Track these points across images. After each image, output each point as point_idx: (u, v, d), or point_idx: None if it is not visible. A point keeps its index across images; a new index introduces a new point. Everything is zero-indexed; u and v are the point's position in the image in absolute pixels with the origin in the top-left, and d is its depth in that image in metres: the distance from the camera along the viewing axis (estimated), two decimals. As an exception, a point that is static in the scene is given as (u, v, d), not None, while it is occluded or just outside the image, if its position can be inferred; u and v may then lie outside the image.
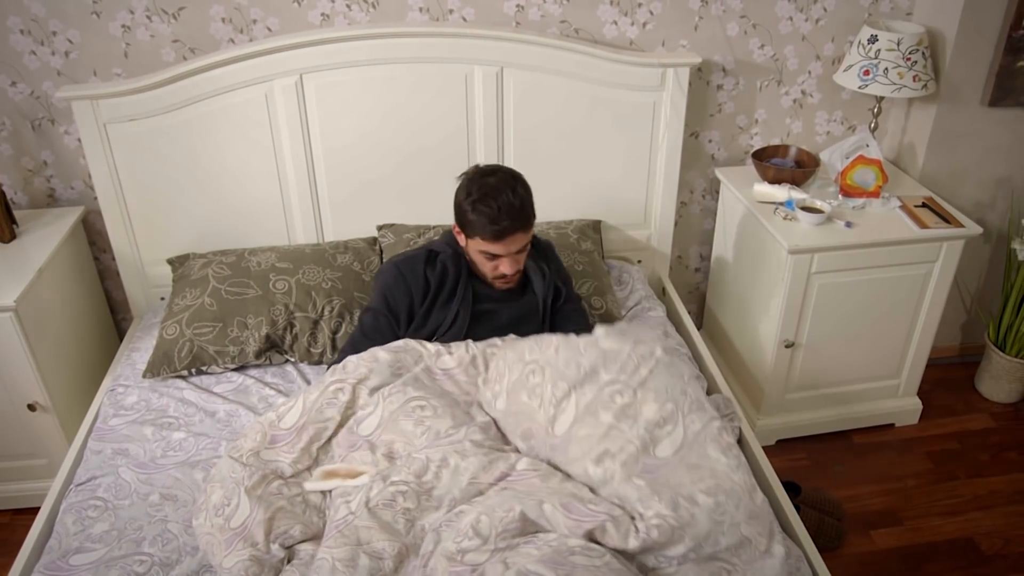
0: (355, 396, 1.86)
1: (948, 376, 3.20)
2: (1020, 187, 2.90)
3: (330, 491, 1.73)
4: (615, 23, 2.54)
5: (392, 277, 2.07)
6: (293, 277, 2.32)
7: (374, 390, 1.86)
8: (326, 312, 2.27)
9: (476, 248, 2.01)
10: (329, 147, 2.46)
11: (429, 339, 2.05)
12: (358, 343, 2.04)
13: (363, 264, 2.43)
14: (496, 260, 2.02)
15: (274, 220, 2.54)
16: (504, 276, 2.05)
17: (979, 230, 2.52)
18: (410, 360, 1.94)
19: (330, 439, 1.84)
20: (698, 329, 3.07)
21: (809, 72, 2.75)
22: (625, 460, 1.63)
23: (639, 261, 2.78)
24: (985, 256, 3.04)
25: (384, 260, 2.45)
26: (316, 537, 1.66)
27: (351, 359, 1.93)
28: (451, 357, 1.97)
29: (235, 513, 1.64)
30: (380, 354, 1.92)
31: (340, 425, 1.85)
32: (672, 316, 2.59)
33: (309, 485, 1.74)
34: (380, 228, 2.54)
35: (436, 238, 2.19)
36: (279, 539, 1.62)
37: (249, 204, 2.50)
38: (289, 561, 1.61)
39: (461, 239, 2.07)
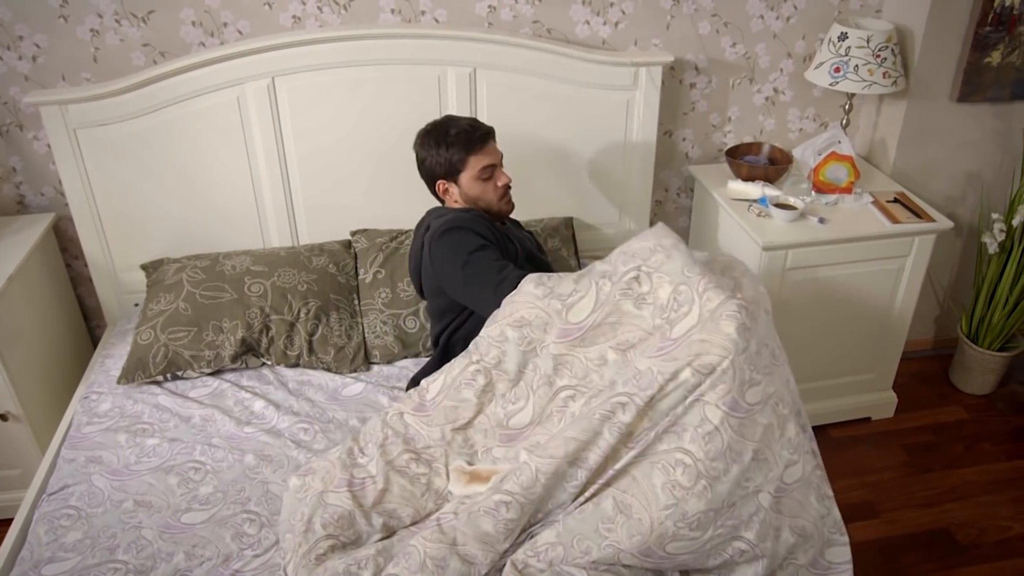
0: (491, 381, 1.77)
1: (922, 369, 3.23)
2: (990, 181, 2.94)
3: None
4: (587, 23, 2.55)
5: (475, 224, 2.00)
6: (268, 280, 2.30)
7: (514, 378, 1.76)
8: (302, 314, 2.26)
9: (472, 175, 2.07)
10: (303, 150, 2.45)
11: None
12: (507, 278, 1.88)
13: (339, 266, 2.43)
14: (495, 174, 2.11)
15: (248, 223, 2.52)
16: (508, 188, 2.13)
17: (950, 224, 2.54)
18: (539, 331, 1.75)
19: (468, 424, 1.78)
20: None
21: (781, 70, 2.77)
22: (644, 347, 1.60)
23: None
24: (957, 250, 3.07)
25: (357, 263, 2.46)
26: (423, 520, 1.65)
27: (483, 339, 1.80)
28: (579, 304, 1.71)
29: (366, 465, 1.71)
30: (508, 332, 1.77)
31: (478, 411, 1.78)
32: (648, 314, 2.60)
33: (457, 491, 1.69)
34: (354, 233, 2.53)
35: (435, 217, 2.10)
36: (385, 515, 1.64)
37: (223, 208, 2.49)
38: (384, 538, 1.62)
39: (454, 192, 2.11)
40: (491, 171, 2.10)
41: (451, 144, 2.05)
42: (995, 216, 2.78)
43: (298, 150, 2.44)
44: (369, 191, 2.54)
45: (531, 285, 1.78)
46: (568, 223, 2.64)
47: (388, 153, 2.49)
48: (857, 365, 2.80)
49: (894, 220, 2.51)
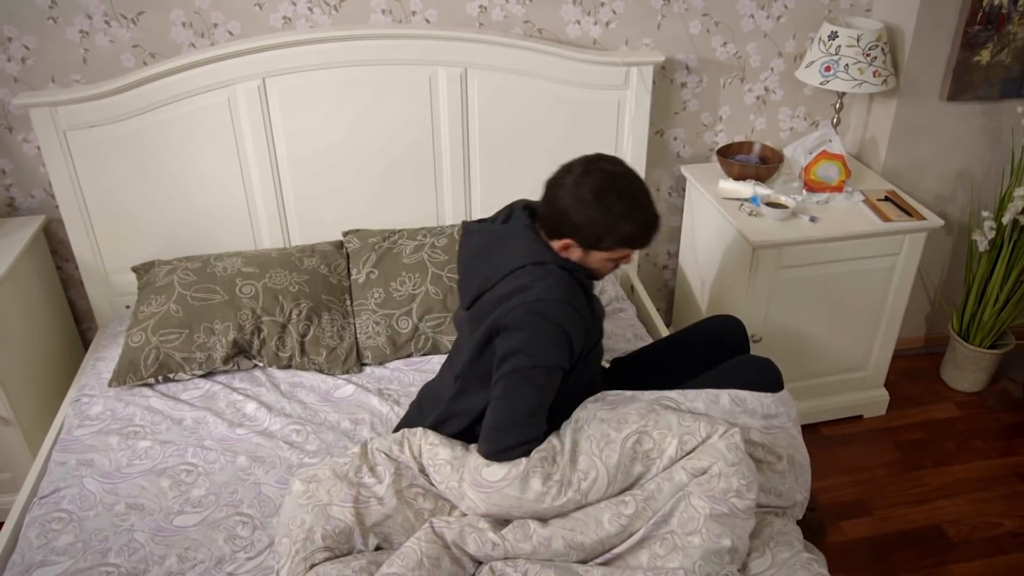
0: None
1: (914, 367, 3.24)
2: (980, 180, 2.95)
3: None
4: (578, 23, 2.55)
5: (571, 320, 1.67)
6: (260, 281, 2.30)
7: None
8: (294, 316, 2.26)
9: (609, 257, 1.75)
10: (294, 150, 2.44)
11: (583, 359, 1.79)
12: (537, 410, 1.69)
13: (330, 267, 2.42)
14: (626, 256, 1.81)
15: (240, 225, 2.52)
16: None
17: (940, 222, 2.55)
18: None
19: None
20: (668, 327, 3.09)
21: (772, 69, 2.78)
22: None
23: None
24: (947, 248, 3.08)
25: (341, 268, 2.44)
26: None
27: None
28: (595, 486, 1.66)
29: (373, 486, 1.68)
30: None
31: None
32: (642, 315, 2.61)
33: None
34: (346, 234, 2.52)
35: (533, 264, 1.73)
36: (380, 537, 1.66)
37: (214, 209, 2.48)
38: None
39: (573, 255, 1.74)
40: (626, 255, 1.80)
41: (616, 230, 1.69)
42: (985, 214, 2.79)
43: (289, 151, 2.44)
44: (361, 191, 2.54)
45: (538, 482, 1.63)
46: (560, 223, 2.64)
47: (380, 153, 2.49)
48: (849, 363, 2.80)
49: (885, 218, 2.52)
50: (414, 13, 2.45)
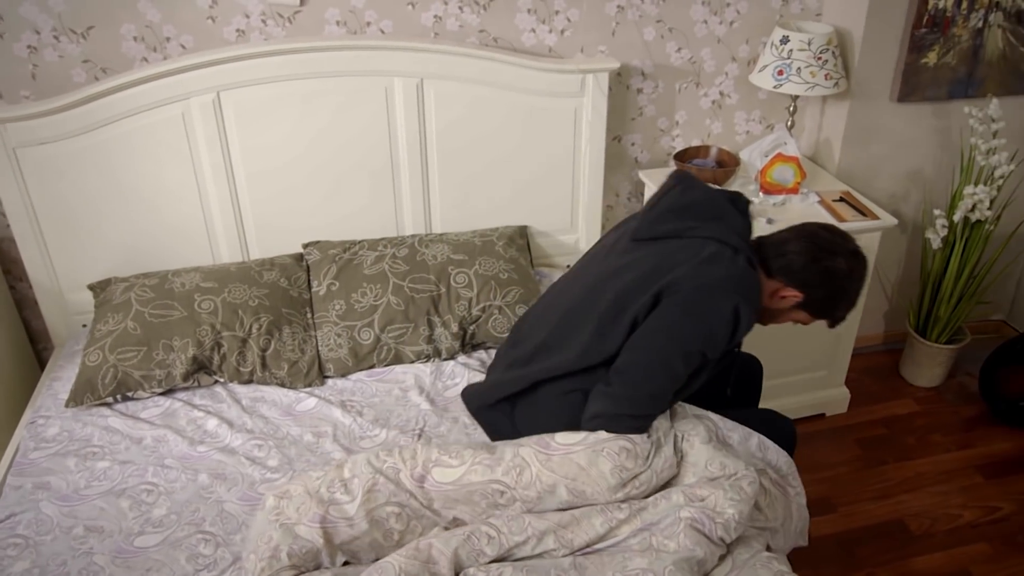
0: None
1: (874, 364, 3.30)
2: (931, 179, 3.01)
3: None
4: (533, 31, 2.56)
5: (749, 319, 1.71)
6: (219, 296, 2.28)
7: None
8: (254, 330, 2.23)
9: (793, 315, 1.86)
10: (250, 163, 2.42)
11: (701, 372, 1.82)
12: (672, 392, 1.75)
13: (290, 280, 2.41)
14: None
15: (197, 240, 2.49)
16: None
17: (894, 221, 2.60)
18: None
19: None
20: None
21: (726, 73, 2.81)
22: None
23: (568, 266, 2.80)
24: (902, 246, 3.14)
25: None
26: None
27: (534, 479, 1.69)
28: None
29: (344, 505, 1.65)
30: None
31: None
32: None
33: None
34: (306, 246, 2.51)
35: (740, 253, 1.76)
36: (348, 554, 1.64)
37: (171, 225, 2.45)
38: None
39: (786, 302, 1.83)
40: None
41: (839, 310, 1.83)
42: (937, 212, 2.85)
43: (246, 164, 2.42)
44: (320, 203, 2.52)
45: (608, 465, 1.67)
46: (522, 231, 2.65)
47: (338, 164, 2.48)
48: (810, 363, 2.84)
49: (840, 219, 2.56)
50: (369, 24, 2.44)
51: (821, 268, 1.77)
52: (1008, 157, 2.79)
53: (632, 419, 1.72)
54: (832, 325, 1.87)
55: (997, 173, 2.79)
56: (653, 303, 1.74)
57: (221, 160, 2.39)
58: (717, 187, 1.93)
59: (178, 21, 2.32)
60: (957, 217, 2.82)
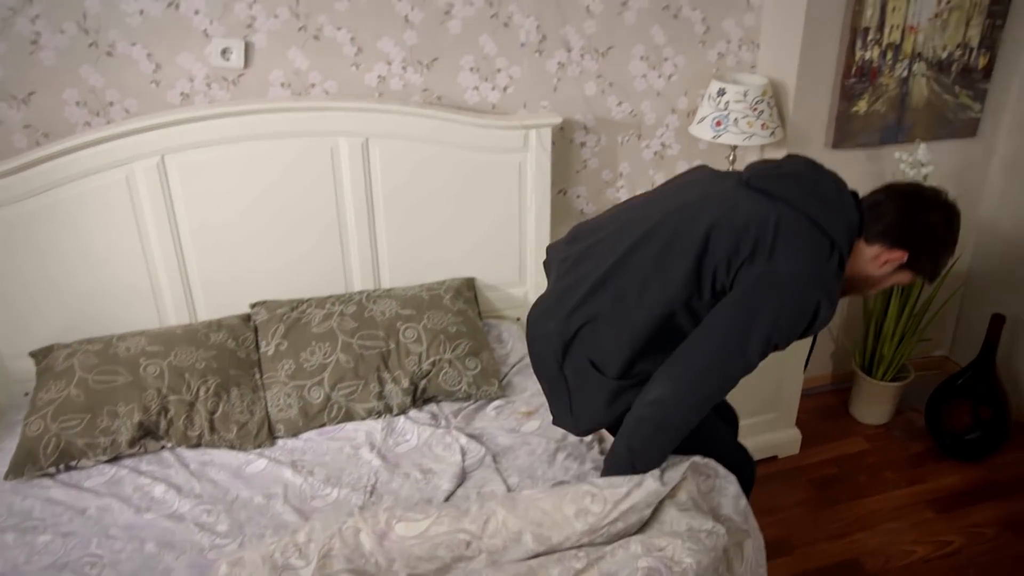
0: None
1: (823, 404, 3.35)
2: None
3: None
4: (476, 89, 2.62)
5: (824, 318, 1.70)
6: (165, 360, 2.25)
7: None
8: (202, 393, 2.21)
9: (895, 278, 1.82)
10: (197, 225, 2.42)
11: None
12: (727, 383, 1.72)
13: (238, 341, 2.39)
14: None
15: (143, 303, 2.47)
16: None
17: (834, 265, 2.67)
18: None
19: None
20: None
21: (666, 125, 2.89)
22: None
23: (518, 319, 2.82)
24: (845, 288, 3.22)
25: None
26: None
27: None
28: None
29: (299, 570, 1.62)
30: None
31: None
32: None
33: None
34: (253, 306, 2.50)
35: (829, 226, 1.71)
36: None
37: (116, 289, 2.42)
38: None
39: (890, 263, 1.78)
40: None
41: (941, 262, 1.81)
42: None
43: (192, 226, 2.41)
44: (268, 262, 2.52)
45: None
46: (470, 284, 2.67)
47: (285, 224, 2.49)
48: (760, 406, 2.88)
49: (781, 264, 2.62)
50: (313, 85, 2.48)
51: (921, 224, 1.76)
52: (939, 199, 2.88)
53: (690, 410, 1.70)
54: (933, 279, 1.84)
55: (930, 215, 2.88)
56: (739, 264, 1.70)
57: (167, 223, 2.39)
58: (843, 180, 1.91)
59: (122, 86, 2.33)
60: (894, 258, 2.90)
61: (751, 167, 1.89)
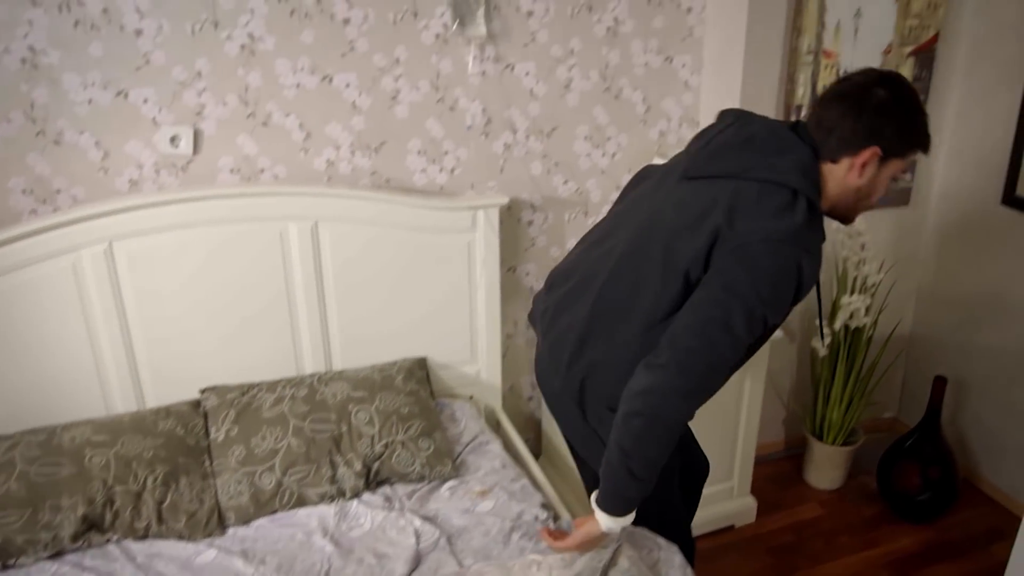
0: None
1: (777, 471, 3.38)
2: (812, 290, 3.18)
3: None
4: (424, 171, 2.67)
5: (812, 274, 1.61)
6: (111, 449, 2.21)
7: None
8: (149, 483, 2.17)
9: (896, 170, 1.69)
10: (145, 312, 2.40)
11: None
12: (718, 364, 1.61)
13: (187, 428, 2.36)
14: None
15: (89, 391, 2.42)
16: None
17: (779, 334, 2.73)
18: None
19: None
20: (536, 458, 3.12)
21: (612, 202, 2.95)
22: None
23: (471, 396, 2.82)
24: (792, 355, 3.29)
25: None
26: None
27: None
28: None
29: None
30: None
31: None
32: (509, 448, 2.63)
33: None
34: (203, 391, 2.47)
35: (781, 176, 1.63)
36: None
37: (61, 377, 2.38)
38: None
39: (867, 173, 1.67)
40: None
41: (919, 128, 1.65)
42: (819, 322, 3.01)
43: (140, 312, 2.40)
44: (218, 346, 2.51)
45: None
46: (422, 363, 2.67)
47: (234, 308, 2.48)
48: (715, 475, 2.88)
49: (728, 334, 2.67)
50: (262, 170, 2.51)
51: (871, 112, 1.64)
52: (877, 267, 2.99)
53: (683, 398, 1.58)
54: (926, 147, 1.69)
55: (869, 282, 2.98)
56: (707, 255, 1.63)
57: (114, 309, 2.37)
58: (778, 119, 1.82)
59: (69, 173, 2.34)
60: (838, 325, 2.99)
61: (688, 154, 1.83)
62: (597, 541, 1.79)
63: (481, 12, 2.52)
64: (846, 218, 1.78)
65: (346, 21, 2.44)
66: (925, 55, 3.02)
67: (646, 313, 1.71)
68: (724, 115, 1.85)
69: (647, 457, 1.63)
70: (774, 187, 1.62)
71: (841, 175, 1.69)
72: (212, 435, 2.35)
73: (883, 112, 1.63)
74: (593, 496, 1.75)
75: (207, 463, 2.31)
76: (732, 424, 2.82)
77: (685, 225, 1.67)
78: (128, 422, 2.32)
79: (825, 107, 1.70)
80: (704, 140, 1.80)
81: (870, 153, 1.65)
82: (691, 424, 1.77)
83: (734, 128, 1.77)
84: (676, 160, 1.88)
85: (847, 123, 1.66)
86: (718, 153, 1.73)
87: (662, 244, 1.70)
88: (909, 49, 2.98)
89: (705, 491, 2.85)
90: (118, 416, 2.37)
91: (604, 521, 1.73)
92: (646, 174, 2.00)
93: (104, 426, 2.29)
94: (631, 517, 1.73)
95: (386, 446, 2.34)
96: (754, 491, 3.07)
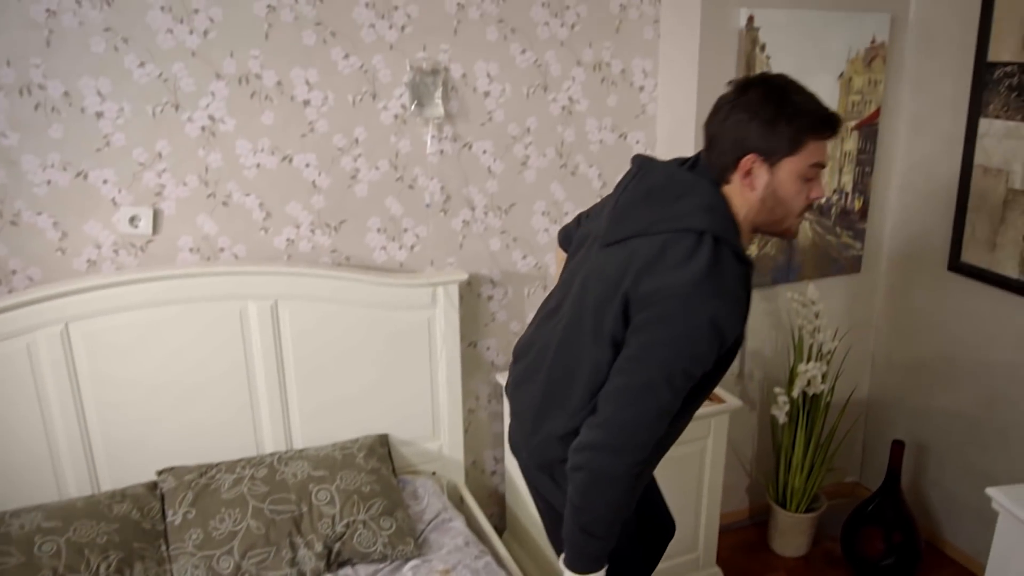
0: None
1: (743, 539, 3.37)
2: (770, 358, 3.24)
3: None
4: (384, 248, 2.70)
5: (732, 320, 1.57)
6: (63, 536, 2.15)
7: None
8: (102, 570, 2.11)
9: (799, 168, 1.59)
10: (101, 393, 2.37)
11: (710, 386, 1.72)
12: (644, 421, 1.59)
13: (143, 511, 2.31)
14: (817, 179, 1.63)
15: (41, 475, 2.37)
16: (815, 200, 1.66)
17: (739, 403, 2.76)
18: None
19: None
20: (501, 534, 3.10)
21: (571, 274, 3.00)
22: None
23: (434, 473, 2.80)
24: (753, 423, 3.31)
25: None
26: None
27: None
28: None
29: None
30: None
31: None
32: (472, 524, 2.61)
33: None
34: (160, 472, 2.43)
35: (683, 223, 1.60)
36: None
37: (11, 462, 2.33)
38: None
39: (759, 181, 1.61)
40: (817, 172, 1.63)
41: (798, 115, 1.57)
42: (778, 390, 3.05)
43: (96, 393, 2.37)
44: (176, 427, 2.47)
45: None
46: (383, 440, 2.66)
47: (193, 388, 2.46)
48: (680, 546, 2.88)
49: (688, 405, 2.70)
50: (222, 250, 2.52)
51: (733, 121, 1.61)
52: (831, 334, 3.05)
53: (612, 453, 1.59)
54: (821, 127, 1.59)
55: (824, 349, 3.04)
56: (624, 317, 1.63)
57: (69, 391, 2.34)
58: (678, 160, 1.80)
59: (25, 254, 2.33)
60: (796, 393, 3.03)
61: (606, 209, 1.82)
62: None
63: (439, 93, 2.59)
64: (781, 233, 1.71)
65: (306, 103, 2.49)
66: (869, 128, 3.14)
67: (589, 381, 1.71)
68: (632, 161, 1.84)
69: (596, 513, 1.64)
70: (678, 235, 1.60)
71: (739, 193, 1.65)
72: (169, 518, 2.30)
73: (741, 117, 1.60)
74: (561, 557, 1.75)
75: (163, 547, 2.26)
76: (695, 493, 2.83)
77: (605, 295, 1.68)
78: (81, 507, 2.27)
79: (709, 128, 1.68)
80: (616, 195, 1.80)
81: (748, 161, 1.61)
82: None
83: (635, 181, 1.76)
84: (600, 209, 1.90)
85: (720, 140, 1.64)
86: (624, 213, 1.72)
87: (591, 313, 1.71)
88: (853, 123, 3.10)
89: (670, 562, 2.86)
90: (71, 501, 2.32)
91: None
92: (581, 245, 1.98)
93: (56, 512, 2.24)
94: (601, 574, 1.72)
95: (347, 526, 2.31)
96: (720, 561, 3.06)
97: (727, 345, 1.60)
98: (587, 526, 1.65)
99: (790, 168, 1.60)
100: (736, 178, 1.64)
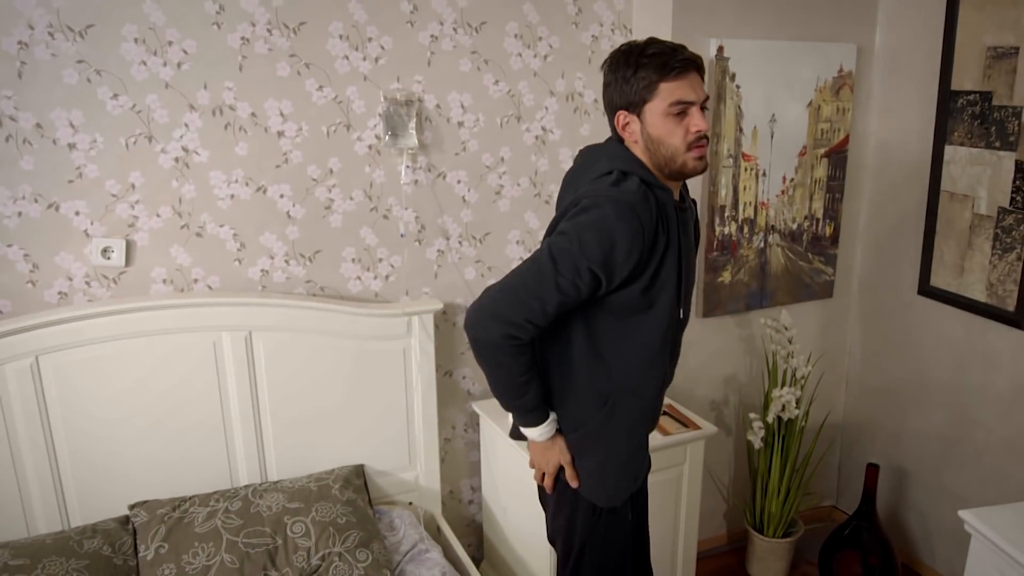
0: None
1: (721, 565, 3.37)
2: (745, 383, 3.26)
3: None
4: (359, 278, 2.70)
5: (626, 230, 1.67)
6: (31, 574, 2.11)
7: None
8: (72, 609, 2.08)
9: (661, 109, 1.72)
10: (72, 427, 2.34)
11: (651, 307, 1.81)
12: (524, 294, 1.71)
13: (114, 547, 2.27)
14: (689, 113, 1.73)
15: (9, 511, 2.33)
16: (702, 139, 1.75)
17: (714, 429, 2.77)
18: None
19: None
20: (478, 564, 3.08)
21: (547, 302, 3.01)
22: None
23: (410, 503, 2.79)
24: (729, 448, 3.33)
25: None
26: None
27: None
28: None
29: None
30: None
31: None
32: (449, 554, 2.59)
33: None
34: (132, 507, 2.40)
35: (602, 169, 1.79)
36: None
37: (-21, 499, 2.30)
38: None
39: (634, 130, 1.77)
40: (684, 108, 1.73)
41: (642, 65, 1.71)
42: (753, 416, 3.07)
43: (67, 427, 2.34)
44: (148, 461, 2.44)
45: None
46: (359, 471, 2.64)
47: (166, 420, 2.44)
48: (658, 573, 2.86)
49: (665, 432, 2.71)
50: (196, 281, 2.50)
51: (606, 82, 1.81)
52: (805, 359, 3.08)
53: (490, 318, 1.74)
54: (678, 72, 1.71)
55: (799, 374, 3.06)
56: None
57: (39, 426, 2.30)
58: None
59: (-6, 288, 2.31)
60: (771, 418, 3.05)
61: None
62: (543, 455, 1.96)
63: (413, 124, 2.60)
64: (681, 170, 1.79)
65: (280, 134, 2.50)
66: (838, 156, 3.20)
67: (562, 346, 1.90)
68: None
69: (488, 372, 1.85)
70: (596, 180, 1.80)
71: (632, 146, 1.83)
72: (141, 553, 2.27)
73: (608, 82, 1.81)
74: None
75: (134, 584, 2.23)
76: (672, 520, 2.82)
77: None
78: (51, 543, 2.23)
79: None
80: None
81: (620, 118, 1.80)
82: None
83: (569, 172, 1.98)
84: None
85: (605, 108, 1.86)
86: (559, 201, 1.97)
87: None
88: (823, 151, 3.16)
89: (649, 590, 2.84)
90: (40, 537, 2.28)
91: (528, 434, 1.94)
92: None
93: (24, 549, 2.20)
94: (545, 426, 1.91)
95: (323, 559, 2.29)
96: (698, 588, 3.06)
97: (620, 257, 1.69)
98: (491, 385, 1.87)
99: (653, 111, 1.75)
100: (624, 135, 1.83)
